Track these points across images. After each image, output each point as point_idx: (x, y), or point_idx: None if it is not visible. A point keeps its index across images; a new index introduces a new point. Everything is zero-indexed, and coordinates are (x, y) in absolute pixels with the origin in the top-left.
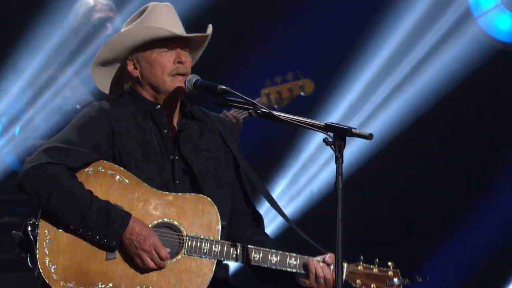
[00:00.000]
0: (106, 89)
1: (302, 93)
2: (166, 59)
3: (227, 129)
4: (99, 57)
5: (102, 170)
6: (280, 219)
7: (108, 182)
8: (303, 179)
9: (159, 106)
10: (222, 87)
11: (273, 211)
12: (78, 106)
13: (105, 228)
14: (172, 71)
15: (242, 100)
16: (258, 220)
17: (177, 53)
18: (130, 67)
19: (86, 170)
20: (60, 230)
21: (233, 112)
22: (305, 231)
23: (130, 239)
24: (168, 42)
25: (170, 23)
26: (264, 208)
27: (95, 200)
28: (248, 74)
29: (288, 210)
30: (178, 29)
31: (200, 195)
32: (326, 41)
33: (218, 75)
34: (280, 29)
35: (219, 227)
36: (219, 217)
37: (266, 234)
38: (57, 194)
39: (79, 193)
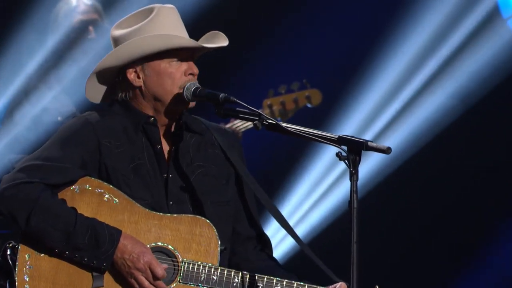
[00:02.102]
0: (95, 99)
1: (308, 105)
2: (177, 70)
3: (229, 141)
4: (101, 65)
5: (90, 188)
6: (290, 239)
7: (95, 202)
8: (314, 198)
9: (152, 118)
10: (225, 95)
11: (283, 231)
12: (59, 118)
13: (93, 248)
14: (183, 83)
15: (246, 110)
16: (264, 244)
17: (189, 64)
18: (131, 76)
19: (71, 188)
20: (43, 255)
21: (231, 125)
22: (317, 255)
23: (122, 258)
24: (181, 52)
25: (178, 29)
26: (272, 229)
27: (80, 218)
28: (250, 83)
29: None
30: (187, 36)
31: (198, 216)
32: (338, 48)
33: (217, 82)
34: (287, 35)
35: (218, 251)
36: (218, 240)
37: (273, 259)
38: (37, 215)
39: (61, 212)
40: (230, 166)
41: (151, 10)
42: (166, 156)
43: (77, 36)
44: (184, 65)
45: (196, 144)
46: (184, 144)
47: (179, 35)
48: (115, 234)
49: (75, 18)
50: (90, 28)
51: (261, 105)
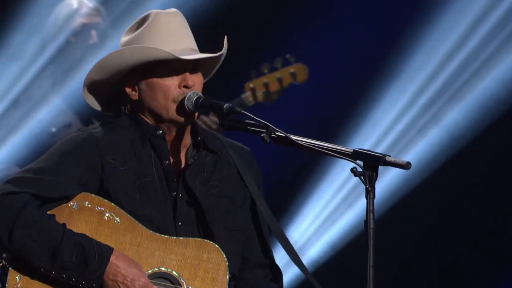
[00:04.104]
0: (99, 107)
1: (294, 82)
2: (170, 82)
3: (245, 161)
4: (90, 77)
5: (89, 205)
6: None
7: (95, 221)
8: (326, 217)
9: (161, 131)
10: (230, 106)
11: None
12: (53, 130)
13: (81, 267)
14: (177, 96)
15: (253, 122)
16: (274, 274)
17: (184, 76)
18: (128, 89)
19: (69, 205)
20: (34, 277)
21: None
22: (330, 279)
23: (115, 281)
24: (173, 63)
25: (176, 37)
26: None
27: (68, 234)
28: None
29: (307, 257)
30: (187, 44)
31: (206, 240)
32: (351, 55)
33: (228, 87)
34: (296, 35)
35: (227, 280)
36: (227, 267)
37: None
38: (21, 229)
39: (47, 227)
40: (246, 188)
41: (146, 18)
42: (175, 172)
43: (79, 40)
44: (178, 77)
45: (212, 162)
46: (199, 162)
47: (159, 48)
48: (105, 252)
49: (77, 22)
50: (93, 32)
51: (243, 89)
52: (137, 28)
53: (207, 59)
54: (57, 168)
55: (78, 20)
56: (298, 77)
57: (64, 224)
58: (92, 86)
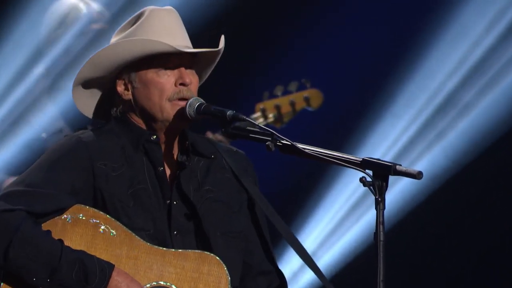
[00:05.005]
0: (90, 114)
1: (308, 108)
2: (166, 79)
3: (241, 164)
4: (81, 76)
5: (83, 218)
6: (309, 273)
7: (90, 233)
8: (334, 229)
9: (155, 136)
10: (233, 113)
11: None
12: (43, 135)
13: (81, 284)
14: (172, 95)
15: (258, 130)
16: (279, 281)
17: (180, 73)
18: (121, 88)
19: (63, 218)
20: None
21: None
22: None
23: None
24: (169, 58)
25: (172, 33)
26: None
27: (66, 251)
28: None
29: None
30: (182, 41)
31: (206, 252)
32: (359, 59)
33: (226, 88)
34: (304, 45)
35: None
36: (229, 281)
37: None
38: (17, 248)
39: (45, 244)
40: (243, 192)
41: (141, 14)
42: (168, 179)
43: (86, 45)
44: (174, 74)
45: (204, 167)
46: (191, 168)
47: (160, 40)
48: (106, 269)
49: (87, 27)
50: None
51: (253, 109)
52: (132, 25)
53: (203, 56)
54: (48, 179)
55: (89, 26)
56: (312, 102)
57: (61, 240)
58: (83, 87)
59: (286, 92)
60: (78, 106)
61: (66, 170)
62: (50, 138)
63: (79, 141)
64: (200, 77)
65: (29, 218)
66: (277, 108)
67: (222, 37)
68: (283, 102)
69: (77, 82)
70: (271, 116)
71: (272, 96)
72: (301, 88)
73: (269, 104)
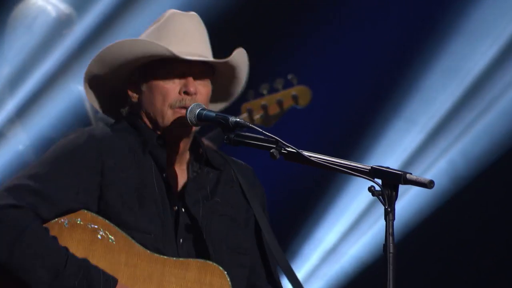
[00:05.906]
0: (100, 108)
1: (295, 106)
2: (171, 86)
3: (249, 180)
4: (90, 70)
5: (81, 222)
6: None
7: (87, 239)
8: (342, 240)
9: (160, 140)
10: (236, 119)
11: None
12: (20, 146)
13: None
14: (175, 102)
15: (261, 137)
16: None
17: (186, 81)
18: (130, 91)
19: (60, 222)
20: None
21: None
22: None
23: None
24: (176, 65)
25: (186, 39)
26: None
27: (72, 258)
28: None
29: (321, 285)
30: (196, 49)
31: (208, 262)
32: (369, 67)
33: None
34: (310, 49)
35: None
36: None
37: None
38: (23, 247)
39: (51, 247)
40: (249, 208)
41: (163, 16)
42: (173, 186)
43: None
44: (181, 82)
45: (214, 178)
46: (201, 177)
47: (158, 43)
48: (110, 281)
49: (56, 31)
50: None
51: (239, 110)
52: (154, 25)
53: (225, 69)
54: (57, 178)
55: (61, 32)
56: (300, 100)
57: (65, 247)
58: (93, 82)
59: (272, 90)
60: (89, 100)
61: (77, 165)
62: (27, 149)
63: (91, 136)
64: (227, 93)
65: (37, 219)
66: (264, 108)
67: (237, 50)
68: (270, 101)
69: (87, 77)
70: (258, 116)
71: (259, 95)
72: (287, 85)
73: (255, 104)
